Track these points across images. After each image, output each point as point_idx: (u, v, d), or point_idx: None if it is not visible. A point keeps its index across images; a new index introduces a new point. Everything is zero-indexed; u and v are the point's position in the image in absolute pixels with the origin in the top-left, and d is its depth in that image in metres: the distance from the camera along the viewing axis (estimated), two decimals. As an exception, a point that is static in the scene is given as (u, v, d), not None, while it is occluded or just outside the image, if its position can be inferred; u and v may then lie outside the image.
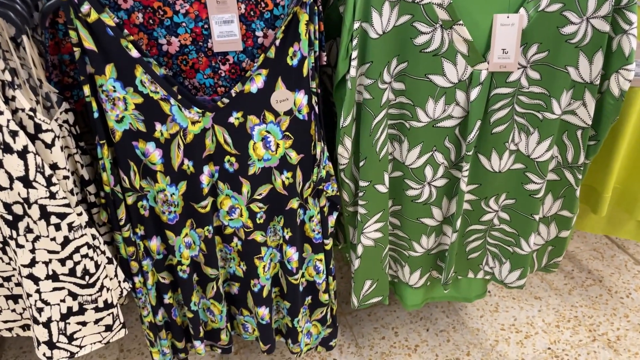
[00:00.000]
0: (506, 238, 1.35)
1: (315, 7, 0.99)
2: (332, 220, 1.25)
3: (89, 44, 0.93)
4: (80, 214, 1.01)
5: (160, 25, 1.04)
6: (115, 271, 1.12)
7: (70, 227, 0.97)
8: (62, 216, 0.96)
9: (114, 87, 0.98)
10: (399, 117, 1.19)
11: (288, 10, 1.00)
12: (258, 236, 1.20)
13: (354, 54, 1.05)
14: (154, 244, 1.17)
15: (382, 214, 1.27)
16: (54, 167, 0.94)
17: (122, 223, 1.11)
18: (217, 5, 1.03)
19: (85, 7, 0.90)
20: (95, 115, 1.00)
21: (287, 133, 1.09)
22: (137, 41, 1.04)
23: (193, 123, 1.04)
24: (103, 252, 1.08)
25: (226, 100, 1.03)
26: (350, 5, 1.02)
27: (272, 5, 1.04)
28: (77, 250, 1.00)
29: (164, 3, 1.01)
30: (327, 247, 1.26)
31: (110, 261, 1.10)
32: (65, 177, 0.96)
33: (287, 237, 1.21)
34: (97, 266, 1.04)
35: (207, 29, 1.05)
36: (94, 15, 0.91)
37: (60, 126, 0.99)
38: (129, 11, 1.01)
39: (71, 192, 0.98)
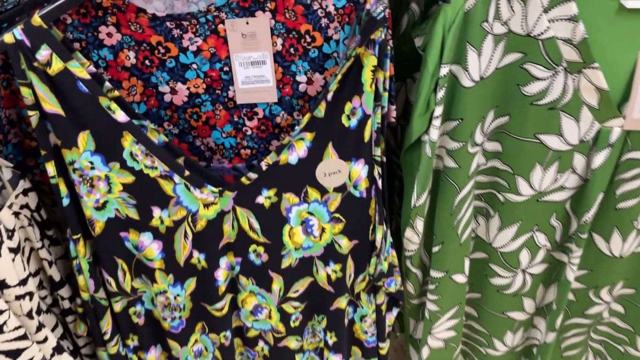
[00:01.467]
0: (617, 335, 1.02)
1: (388, 48, 0.67)
2: (390, 318, 0.93)
3: (51, 105, 0.62)
4: (44, 340, 0.70)
5: (161, 68, 0.72)
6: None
7: (29, 365, 0.67)
8: (14, 354, 0.65)
9: (91, 163, 0.67)
10: (488, 186, 0.86)
11: (347, 50, 0.68)
12: (292, 342, 0.89)
13: (438, 110, 0.73)
14: (152, 356, 0.87)
15: (457, 309, 0.95)
16: (1, 285, 0.64)
17: (107, 337, 0.80)
18: (242, 41, 0.71)
19: (43, 54, 0.59)
20: (65, 202, 0.69)
21: (337, 215, 0.78)
22: (129, 90, 0.73)
23: (206, 206, 0.73)
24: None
25: (254, 176, 0.71)
26: (435, 42, 0.69)
27: (321, 40, 0.72)
28: (39, 393, 0.69)
29: (166, 37, 0.70)
30: (383, 352, 0.95)
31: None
32: (20, 297, 0.66)
33: (330, 342, 0.90)
34: (70, 407, 0.74)
35: (228, 72, 0.74)
36: (57, 65, 0.60)
37: (17, 214, 0.68)
38: (115, 49, 0.70)
39: (29, 314, 0.67)
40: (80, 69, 0.61)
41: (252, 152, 0.80)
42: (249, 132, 0.79)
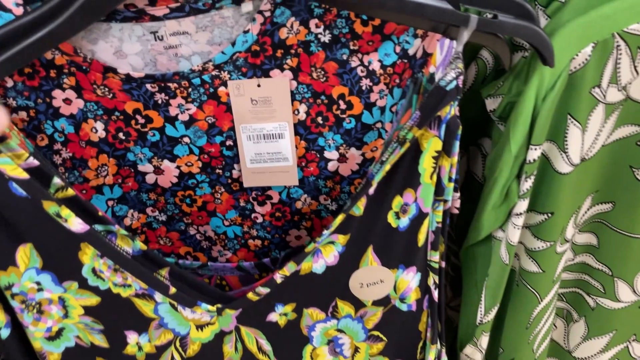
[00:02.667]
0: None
1: (459, 129, 0.46)
2: None
3: (-29, 219, 0.43)
4: None
5: (140, 142, 0.53)
6: None
7: None
8: None
9: (37, 283, 0.48)
10: (573, 285, 0.66)
11: (398, 127, 0.48)
12: None
13: (521, 205, 0.53)
14: None
15: None
16: None
17: None
18: (252, 108, 0.51)
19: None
20: (4, 333, 0.50)
21: (377, 332, 0.58)
22: (98, 170, 0.54)
23: (200, 327, 0.53)
24: None
25: (264, 291, 0.52)
26: (524, 114, 0.49)
27: (360, 107, 0.52)
28: None
29: (147, 104, 0.50)
30: None
31: None
32: None
33: None
34: None
35: (233, 147, 0.54)
36: (-27, 164, 0.41)
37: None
38: (77, 119, 0.51)
39: None
40: (12, 165, 0.42)
41: (263, 243, 0.61)
42: (260, 220, 0.59)
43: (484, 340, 0.63)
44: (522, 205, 0.52)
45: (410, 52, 0.49)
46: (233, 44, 0.48)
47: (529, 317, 0.61)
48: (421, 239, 0.52)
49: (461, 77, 0.43)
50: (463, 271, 0.63)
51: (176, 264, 0.58)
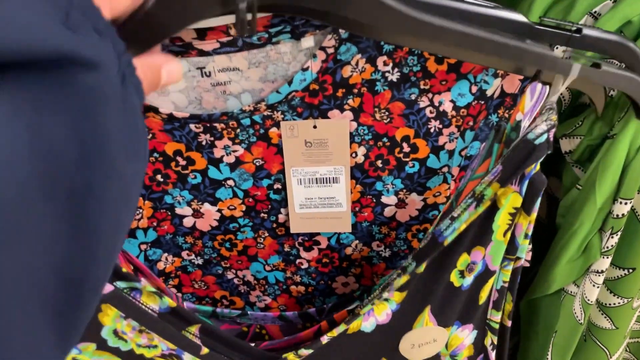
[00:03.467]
0: None
1: (544, 186, 0.41)
2: None
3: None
4: None
5: (179, 185, 0.48)
6: None
7: None
8: None
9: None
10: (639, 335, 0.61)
11: (476, 177, 0.43)
12: None
13: (603, 263, 0.47)
14: None
15: None
16: None
17: None
18: (305, 150, 0.46)
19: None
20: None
21: None
22: (135, 217, 0.49)
23: None
24: None
25: (306, 352, 0.47)
26: (613, 167, 0.44)
27: (426, 150, 0.46)
28: None
29: (189, 145, 0.45)
30: None
31: None
32: None
33: None
34: None
35: (280, 191, 0.49)
36: None
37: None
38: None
39: None
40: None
41: (306, 290, 0.56)
42: (305, 266, 0.54)
43: (547, 399, 0.58)
44: (605, 262, 0.47)
45: (488, 92, 0.43)
46: (289, 82, 0.42)
47: (597, 374, 0.56)
48: (483, 297, 0.47)
49: (553, 131, 0.38)
50: (522, 323, 0.58)
51: (214, 312, 0.53)
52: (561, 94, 0.51)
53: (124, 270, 0.43)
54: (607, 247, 0.46)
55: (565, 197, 0.50)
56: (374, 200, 0.49)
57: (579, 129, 0.48)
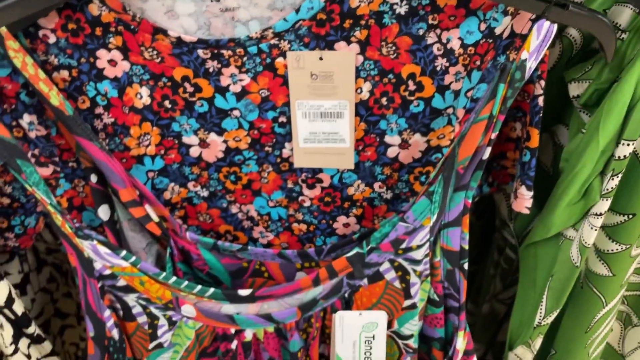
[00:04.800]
0: None
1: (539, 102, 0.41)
2: None
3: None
4: None
5: (187, 112, 0.49)
6: None
7: None
8: None
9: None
10: (638, 288, 0.61)
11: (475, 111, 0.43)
12: None
13: (603, 205, 0.47)
14: None
15: None
16: None
17: None
18: (310, 83, 0.46)
19: None
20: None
21: None
22: (140, 139, 0.50)
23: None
24: None
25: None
26: (618, 106, 0.43)
27: (431, 89, 0.46)
28: None
29: (197, 71, 0.46)
30: None
31: None
32: None
33: None
34: None
35: (285, 124, 0.49)
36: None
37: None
38: (121, 83, 0.47)
39: None
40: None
41: (308, 228, 0.57)
42: (307, 204, 0.55)
43: (539, 342, 0.58)
44: (604, 205, 0.47)
45: (497, 31, 0.43)
46: (297, 10, 0.42)
47: (591, 321, 0.56)
48: None
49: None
50: (521, 268, 0.58)
51: (215, 244, 0.54)
52: (572, 38, 0.50)
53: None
54: (607, 190, 0.46)
55: (570, 142, 0.50)
56: (378, 140, 0.50)
57: (588, 73, 0.48)
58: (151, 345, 0.52)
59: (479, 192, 0.56)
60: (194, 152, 0.52)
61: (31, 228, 0.56)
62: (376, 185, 0.53)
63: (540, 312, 0.55)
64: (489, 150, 0.44)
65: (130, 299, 0.50)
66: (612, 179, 0.46)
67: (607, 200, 0.47)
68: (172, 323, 0.51)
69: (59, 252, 0.71)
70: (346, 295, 0.51)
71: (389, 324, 0.52)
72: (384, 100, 0.47)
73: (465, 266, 0.49)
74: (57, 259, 0.72)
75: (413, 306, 0.51)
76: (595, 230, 0.49)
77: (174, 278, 0.49)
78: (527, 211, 0.50)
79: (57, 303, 0.80)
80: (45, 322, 0.76)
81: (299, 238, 0.58)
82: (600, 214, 0.48)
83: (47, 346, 0.57)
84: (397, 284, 0.50)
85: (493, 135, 0.43)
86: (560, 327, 0.60)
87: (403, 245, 0.48)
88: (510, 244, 0.67)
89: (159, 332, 0.51)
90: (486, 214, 0.80)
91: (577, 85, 0.49)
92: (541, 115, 0.46)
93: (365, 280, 0.50)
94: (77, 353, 0.86)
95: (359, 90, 0.47)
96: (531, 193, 0.49)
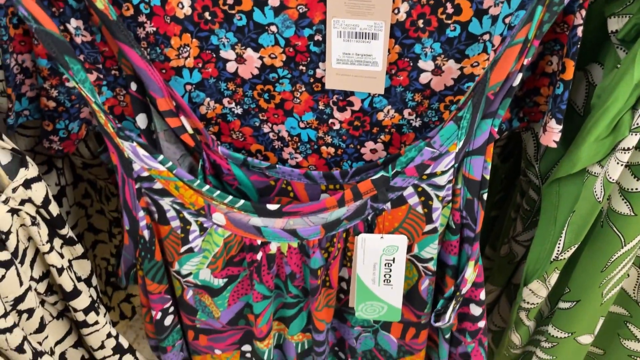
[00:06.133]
0: None
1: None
2: None
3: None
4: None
5: (225, 25, 0.50)
6: None
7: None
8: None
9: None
10: (658, 236, 0.61)
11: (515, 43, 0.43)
12: None
13: (632, 139, 0.47)
14: None
15: (570, 370, 0.73)
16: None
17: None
18: (347, 0, 0.47)
19: None
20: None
21: None
22: (180, 50, 0.51)
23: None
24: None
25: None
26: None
27: (469, 13, 0.46)
28: None
29: (237, -17, 0.47)
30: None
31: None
32: (7, 331, 0.50)
33: None
34: None
35: (320, 43, 0.50)
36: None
37: (15, 211, 0.51)
38: (163, -8, 0.48)
39: (20, 348, 0.51)
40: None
41: (336, 152, 0.58)
42: (337, 127, 0.56)
43: (554, 277, 0.60)
44: (632, 140, 0.47)
45: (540, -47, 0.42)
46: None
47: (607, 260, 0.57)
48: None
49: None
50: (543, 206, 0.59)
51: (245, 160, 0.56)
52: (618, -28, 0.49)
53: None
54: (637, 124, 0.46)
55: (604, 79, 0.50)
56: (411, 64, 0.50)
57: (628, 8, 0.47)
58: (182, 249, 0.55)
59: (509, 126, 0.57)
60: (231, 67, 0.53)
61: (74, 133, 0.59)
62: (406, 112, 0.54)
63: (559, 247, 0.57)
64: (520, 76, 0.44)
65: (166, 202, 0.53)
66: (642, 113, 0.46)
67: (636, 135, 0.47)
68: (203, 229, 0.54)
69: (94, 167, 0.74)
70: (369, 218, 0.52)
71: (409, 248, 0.54)
72: (420, 23, 0.48)
73: (485, 196, 0.50)
74: (92, 174, 0.75)
75: (434, 230, 0.52)
76: (622, 165, 0.49)
77: (207, 186, 0.51)
78: (554, 145, 0.50)
79: (91, 219, 0.84)
80: (78, 235, 0.81)
81: (326, 161, 0.59)
82: (628, 149, 0.48)
83: (78, 249, 0.60)
84: (419, 209, 0.51)
85: (526, 61, 0.43)
86: (577, 266, 0.61)
87: (428, 171, 0.49)
88: (534, 184, 0.67)
89: (191, 237, 0.54)
90: (511, 158, 0.81)
91: (616, 19, 0.49)
92: (578, 46, 0.46)
93: (388, 204, 0.52)
94: (108, 268, 0.90)
95: (396, 11, 0.47)
96: (560, 127, 0.49)
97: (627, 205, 0.53)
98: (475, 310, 0.58)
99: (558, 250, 0.57)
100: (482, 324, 0.60)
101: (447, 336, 0.61)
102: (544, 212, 0.59)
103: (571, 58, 0.47)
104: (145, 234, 0.55)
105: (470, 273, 0.54)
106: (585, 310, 0.63)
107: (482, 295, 0.58)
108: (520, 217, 0.73)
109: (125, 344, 0.65)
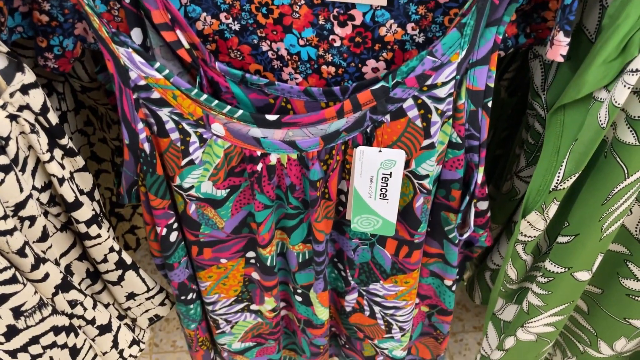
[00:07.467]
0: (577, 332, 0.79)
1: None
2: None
3: None
4: (44, 278, 0.56)
5: None
6: (115, 339, 0.69)
7: (18, 312, 0.53)
8: (1, 299, 0.51)
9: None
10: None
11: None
12: None
13: (638, 62, 0.46)
14: None
15: (567, 306, 0.73)
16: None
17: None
18: None
19: None
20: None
21: None
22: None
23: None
24: (90, 322, 0.64)
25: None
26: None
27: None
28: (34, 340, 0.56)
29: None
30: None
31: (103, 329, 0.66)
32: (7, 233, 0.50)
33: None
34: (74, 353, 0.61)
35: (320, -51, 0.48)
36: None
37: (13, 117, 0.51)
38: None
39: (20, 252, 0.52)
40: None
41: (337, 71, 0.57)
42: (337, 44, 0.55)
43: (553, 209, 0.59)
44: (638, 61, 0.45)
45: None
46: None
47: (609, 192, 0.56)
48: None
49: None
50: (546, 135, 0.58)
51: (243, 77, 0.55)
52: None
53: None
54: (641, 43, 0.44)
55: (618, -3, 0.47)
56: (415, -27, 0.48)
57: None
58: (183, 162, 0.55)
59: (515, 42, 0.55)
60: (227, -22, 0.51)
61: (69, 51, 0.57)
62: (409, 27, 0.52)
63: (558, 176, 0.55)
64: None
65: (164, 113, 0.52)
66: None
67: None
68: (202, 140, 0.53)
69: (93, 91, 0.74)
70: (368, 130, 0.52)
71: (407, 164, 0.53)
72: None
73: (489, 104, 0.49)
74: (91, 98, 0.75)
75: (431, 146, 0.51)
76: (629, 88, 0.47)
77: (205, 95, 0.50)
78: (561, 59, 0.48)
79: (94, 147, 0.84)
80: (82, 164, 0.81)
81: (327, 82, 0.58)
82: (637, 71, 0.46)
83: (79, 161, 0.60)
84: (418, 122, 0.50)
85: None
86: (577, 199, 0.60)
87: (428, 82, 0.48)
88: (539, 116, 0.66)
89: (191, 149, 0.54)
90: (519, 92, 0.79)
91: None
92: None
93: (387, 116, 0.50)
94: (112, 198, 0.91)
95: None
96: (568, 39, 0.47)
97: (632, 133, 0.52)
98: (483, 205, 0.60)
99: (558, 179, 0.55)
100: (489, 213, 0.62)
101: (457, 242, 0.61)
102: (547, 142, 0.58)
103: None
104: (146, 146, 0.54)
105: (481, 178, 0.54)
106: (583, 245, 0.63)
107: (486, 190, 0.60)
108: (524, 152, 0.72)
109: (129, 260, 0.66)
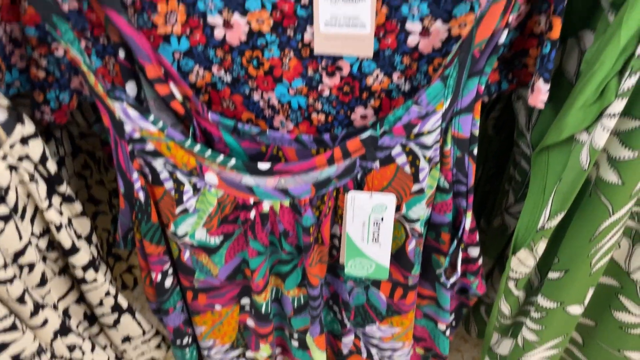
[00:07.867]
0: None
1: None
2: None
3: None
4: (43, 324, 0.56)
5: (212, -10, 0.50)
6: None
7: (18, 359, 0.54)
8: (1, 347, 0.52)
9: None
10: (649, 204, 0.61)
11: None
12: None
13: (618, 105, 0.47)
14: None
15: (560, 340, 0.74)
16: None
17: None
18: (333, -39, 0.47)
19: None
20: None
21: None
22: (167, 17, 0.51)
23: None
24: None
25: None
26: None
27: (455, -28, 0.46)
28: (31, 390, 0.56)
29: (222, -55, 0.47)
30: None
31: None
32: (7, 281, 0.51)
33: None
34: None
35: (308, 6, 0.50)
36: None
37: (13, 168, 0.52)
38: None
39: (20, 299, 0.53)
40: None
41: (326, 119, 0.58)
42: (326, 93, 0.56)
43: (541, 247, 0.60)
44: (619, 105, 0.47)
45: None
46: None
47: (595, 229, 0.57)
48: None
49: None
50: (532, 174, 0.59)
51: (235, 126, 0.57)
52: None
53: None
54: (624, 89, 0.46)
55: (593, 44, 0.49)
56: (399, 26, 0.50)
57: (619, -31, 0.47)
58: (177, 210, 0.56)
59: (498, 88, 0.57)
60: (218, 33, 0.53)
61: (65, 104, 0.59)
62: (395, 76, 0.54)
63: (545, 215, 0.57)
64: (505, 33, 0.44)
65: (159, 163, 0.53)
66: (630, 77, 0.46)
67: (622, 100, 0.47)
68: (196, 189, 0.54)
69: (92, 137, 0.75)
70: (359, 176, 0.53)
71: (398, 208, 0.54)
72: (407, -17, 0.47)
73: (475, 151, 0.50)
74: (89, 144, 0.76)
75: (421, 191, 0.52)
76: (607, 131, 0.49)
77: (199, 146, 0.51)
78: (541, 105, 0.50)
79: (91, 189, 0.85)
80: (79, 206, 0.82)
81: (317, 128, 0.59)
82: (614, 115, 0.48)
83: (77, 207, 0.61)
84: (407, 168, 0.52)
85: (511, 18, 0.43)
86: (566, 236, 0.61)
87: (415, 130, 0.49)
88: (525, 155, 0.67)
89: (185, 198, 0.55)
90: (506, 129, 0.80)
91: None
92: (565, 3, 0.46)
93: (377, 163, 0.52)
94: (109, 239, 0.92)
95: (382, -28, 0.47)
96: (548, 86, 0.49)
97: (615, 173, 0.53)
98: (474, 252, 0.60)
99: (544, 219, 0.57)
100: (480, 261, 0.62)
101: (449, 286, 0.62)
102: (533, 181, 0.59)
103: (558, 15, 0.46)
104: (141, 195, 0.55)
105: (469, 223, 0.55)
106: (574, 280, 0.64)
107: (477, 237, 0.60)
108: (512, 189, 0.73)
109: (125, 304, 0.66)
